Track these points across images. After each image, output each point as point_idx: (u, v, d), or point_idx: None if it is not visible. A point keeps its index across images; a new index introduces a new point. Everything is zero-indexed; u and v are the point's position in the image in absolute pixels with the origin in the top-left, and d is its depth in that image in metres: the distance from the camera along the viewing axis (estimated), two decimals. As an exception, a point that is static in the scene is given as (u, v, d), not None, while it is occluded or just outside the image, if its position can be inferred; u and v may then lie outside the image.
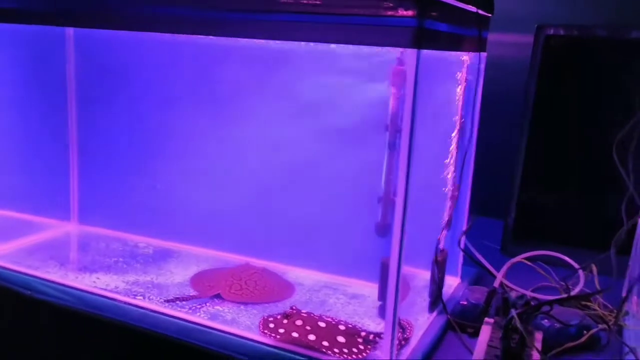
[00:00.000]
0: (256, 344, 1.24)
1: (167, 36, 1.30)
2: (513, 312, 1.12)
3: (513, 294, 1.45)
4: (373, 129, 1.47)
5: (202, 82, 1.70)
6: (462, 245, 1.56)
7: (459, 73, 1.44)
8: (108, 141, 1.88)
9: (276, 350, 1.23)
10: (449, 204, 1.47)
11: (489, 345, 1.20)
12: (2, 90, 1.76)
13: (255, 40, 1.23)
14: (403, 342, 1.22)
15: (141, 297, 1.43)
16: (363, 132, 1.51)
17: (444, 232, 1.44)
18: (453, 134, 1.46)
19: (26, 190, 1.84)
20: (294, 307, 1.37)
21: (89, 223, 1.94)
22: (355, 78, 1.49)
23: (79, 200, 1.94)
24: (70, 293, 1.45)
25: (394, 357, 1.15)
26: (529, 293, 1.53)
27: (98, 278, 1.55)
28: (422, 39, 1.03)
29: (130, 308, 1.38)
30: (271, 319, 1.34)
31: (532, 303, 1.22)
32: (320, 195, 1.60)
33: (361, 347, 1.24)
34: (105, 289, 1.47)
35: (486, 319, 1.32)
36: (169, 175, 1.81)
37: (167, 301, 1.42)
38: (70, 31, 1.83)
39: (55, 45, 1.83)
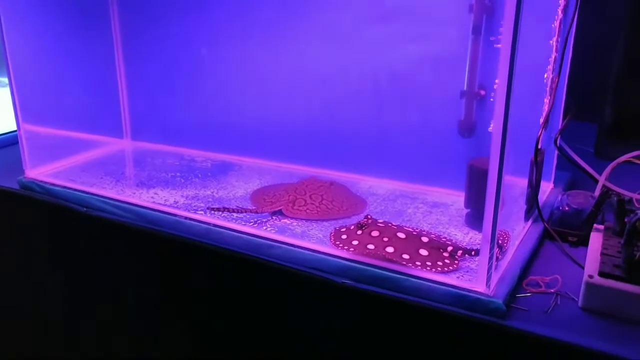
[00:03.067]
0: (328, 257, 1.14)
1: None
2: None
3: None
4: (454, 11, 1.27)
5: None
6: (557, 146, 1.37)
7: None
8: (156, 54, 1.75)
9: (351, 264, 1.11)
10: (547, 98, 1.27)
11: (602, 254, 1.03)
12: (44, 8, 1.65)
13: None
14: (499, 256, 1.08)
15: (202, 212, 1.34)
16: (441, 16, 1.31)
17: (542, 129, 1.25)
18: (555, 17, 1.24)
19: (78, 108, 1.75)
20: (369, 217, 1.24)
21: (142, 139, 1.86)
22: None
23: (131, 116, 1.85)
24: (128, 209, 1.37)
25: (492, 272, 1.01)
26: (636, 196, 1.35)
27: (156, 193, 1.47)
28: None
29: (192, 223, 1.29)
30: (344, 229, 1.22)
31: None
32: (392, 95, 1.42)
33: (447, 261, 1.11)
34: (165, 204, 1.39)
35: (595, 225, 1.15)
36: (223, 85, 1.67)
37: (210, 209, 1.32)
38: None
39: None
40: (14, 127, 1.91)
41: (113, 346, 1.49)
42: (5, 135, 1.94)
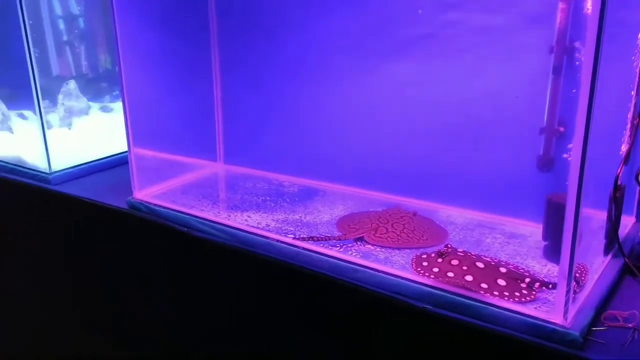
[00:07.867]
0: (410, 283, 1.22)
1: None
2: None
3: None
4: (535, 52, 1.34)
5: (357, 17, 1.61)
6: (640, 180, 1.40)
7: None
8: (251, 83, 1.89)
9: (431, 290, 1.19)
10: (628, 132, 1.31)
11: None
12: (150, 40, 1.81)
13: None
14: (577, 290, 1.13)
15: (292, 235, 1.46)
16: (523, 56, 1.38)
17: (622, 165, 1.29)
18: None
19: (177, 132, 1.92)
20: (449, 245, 1.32)
21: (233, 163, 2.02)
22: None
23: (224, 141, 2.01)
24: (224, 230, 1.51)
25: (569, 304, 1.06)
26: None
27: (249, 216, 1.60)
28: None
29: (282, 246, 1.41)
30: (424, 256, 1.30)
31: None
32: (474, 127, 1.50)
33: (524, 292, 1.16)
34: (257, 227, 1.52)
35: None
36: (312, 113, 1.79)
37: (300, 239, 1.40)
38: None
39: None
40: (112, 151, 2.13)
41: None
42: (107, 158, 2.14)
